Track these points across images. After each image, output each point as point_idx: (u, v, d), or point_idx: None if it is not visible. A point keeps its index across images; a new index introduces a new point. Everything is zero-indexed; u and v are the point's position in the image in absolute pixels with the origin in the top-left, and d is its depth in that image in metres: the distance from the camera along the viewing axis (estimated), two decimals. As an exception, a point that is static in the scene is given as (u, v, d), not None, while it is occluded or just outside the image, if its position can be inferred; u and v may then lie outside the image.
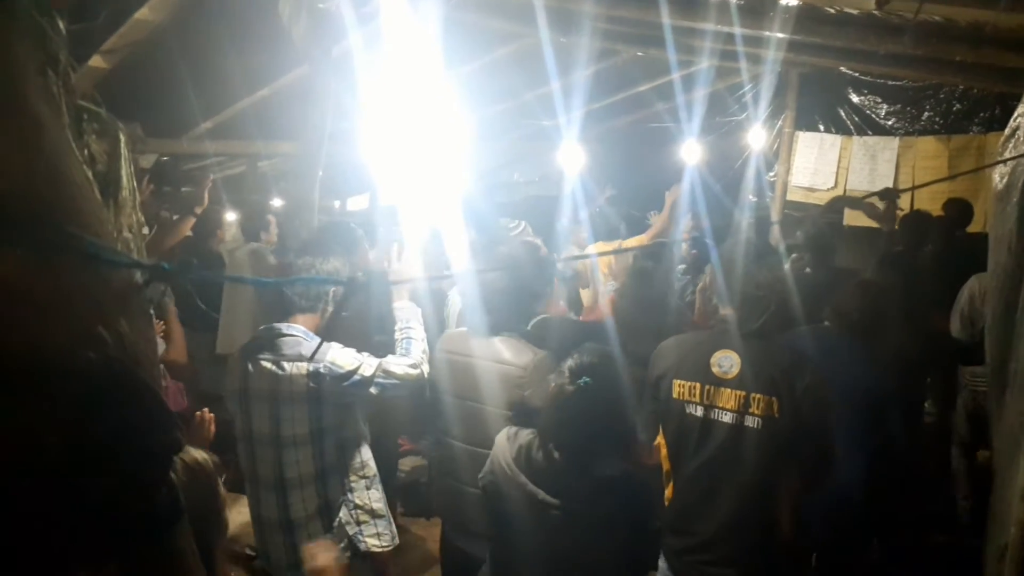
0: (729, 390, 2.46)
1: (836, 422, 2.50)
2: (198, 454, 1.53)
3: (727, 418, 2.46)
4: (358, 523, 2.69)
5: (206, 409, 2.70)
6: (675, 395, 2.57)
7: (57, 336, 0.75)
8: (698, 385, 2.52)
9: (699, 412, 2.51)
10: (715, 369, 2.50)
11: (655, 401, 2.67)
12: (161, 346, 3.81)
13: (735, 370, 2.46)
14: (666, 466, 2.69)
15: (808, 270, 4.68)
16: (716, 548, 2.49)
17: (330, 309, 2.76)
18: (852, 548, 3.20)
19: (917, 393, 4.95)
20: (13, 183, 0.74)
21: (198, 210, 5.20)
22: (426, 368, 2.79)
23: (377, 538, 2.72)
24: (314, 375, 2.55)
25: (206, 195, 5.30)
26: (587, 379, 2.14)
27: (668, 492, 2.68)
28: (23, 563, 0.76)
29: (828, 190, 7.77)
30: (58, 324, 0.75)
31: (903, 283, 4.09)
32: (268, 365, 2.60)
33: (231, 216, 8.24)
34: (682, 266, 4.52)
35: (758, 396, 2.41)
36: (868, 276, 4.20)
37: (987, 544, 2.72)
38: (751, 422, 2.42)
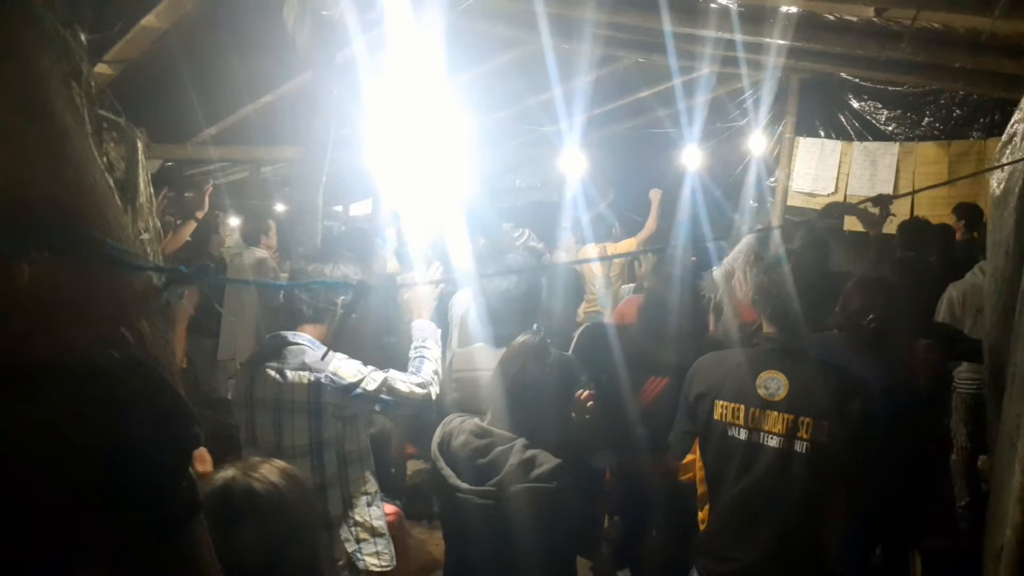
0: (776, 413, 2.37)
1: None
2: (283, 464, 1.50)
3: (774, 442, 2.37)
4: (358, 541, 2.65)
5: None
6: (716, 417, 2.47)
7: (82, 336, 0.78)
8: (742, 407, 2.42)
9: (742, 435, 2.42)
10: (761, 391, 2.40)
11: (691, 421, 2.59)
12: None
13: (782, 392, 2.37)
14: (702, 489, 2.61)
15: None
16: (759, 574, 2.43)
17: (339, 319, 2.73)
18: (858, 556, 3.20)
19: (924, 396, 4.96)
20: (42, 190, 0.77)
21: (199, 215, 5.24)
22: (435, 389, 2.73)
23: (376, 557, 2.68)
24: (315, 385, 2.53)
25: (207, 200, 5.34)
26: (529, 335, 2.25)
27: (703, 515, 2.61)
28: (48, 556, 0.79)
29: (829, 195, 7.81)
30: (83, 324, 0.79)
31: (913, 286, 4.09)
32: (272, 373, 2.58)
33: (234, 221, 8.29)
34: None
35: (807, 420, 2.32)
36: (864, 274, 4.20)
37: (985, 546, 2.74)
38: (799, 447, 2.33)
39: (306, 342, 2.63)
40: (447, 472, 2.19)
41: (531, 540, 2.08)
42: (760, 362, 2.46)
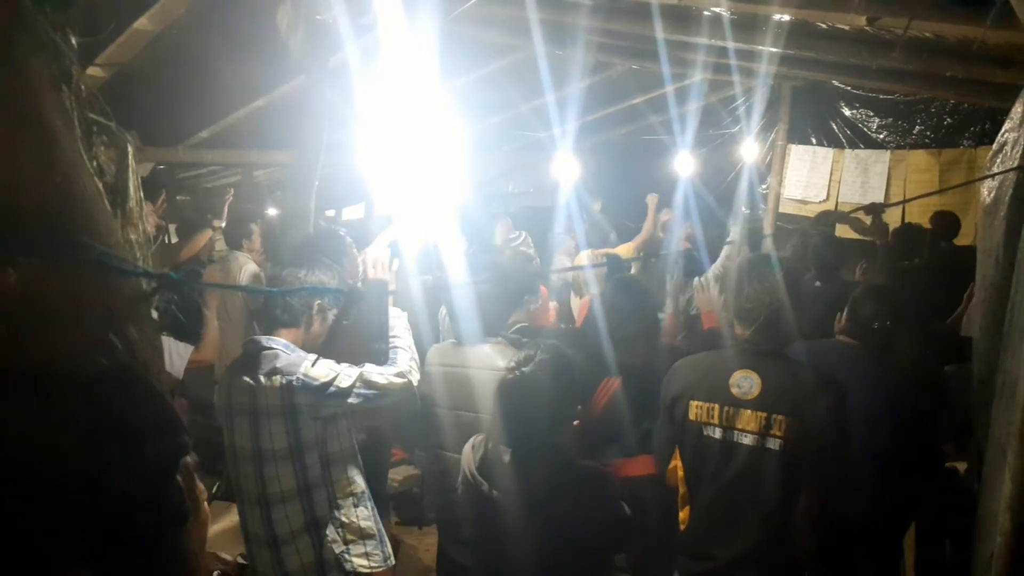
0: (749, 411, 2.38)
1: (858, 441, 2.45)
2: None
3: (747, 440, 2.38)
4: (345, 542, 2.60)
5: None
6: (691, 417, 2.49)
7: (71, 342, 0.77)
8: (716, 406, 2.43)
9: (717, 434, 2.43)
10: (734, 390, 2.41)
11: (670, 423, 2.60)
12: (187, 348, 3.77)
13: (755, 391, 2.38)
14: (682, 489, 2.62)
15: (817, 284, 4.70)
16: (737, 572, 2.43)
17: (316, 322, 2.72)
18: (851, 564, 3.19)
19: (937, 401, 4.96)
20: (31, 196, 0.77)
21: (217, 224, 5.18)
22: (415, 377, 2.72)
23: (366, 558, 2.62)
24: (286, 388, 2.49)
25: (227, 210, 5.28)
26: (525, 368, 2.18)
27: (683, 515, 2.61)
28: (34, 558, 0.78)
29: (820, 202, 7.83)
30: (72, 331, 0.78)
31: (911, 292, 4.10)
32: (247, 379, 2.55)
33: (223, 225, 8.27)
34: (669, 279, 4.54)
35: (780, 417, 2.33)
36: (873, 281, 4.20)
37: (975, 552, 2.74)
38: (772, 444, 2.34)
39: (280, 346, 2.60)
40: (495, 495, 2.15)
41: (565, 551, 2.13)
42: (733, 362, 2.47)
